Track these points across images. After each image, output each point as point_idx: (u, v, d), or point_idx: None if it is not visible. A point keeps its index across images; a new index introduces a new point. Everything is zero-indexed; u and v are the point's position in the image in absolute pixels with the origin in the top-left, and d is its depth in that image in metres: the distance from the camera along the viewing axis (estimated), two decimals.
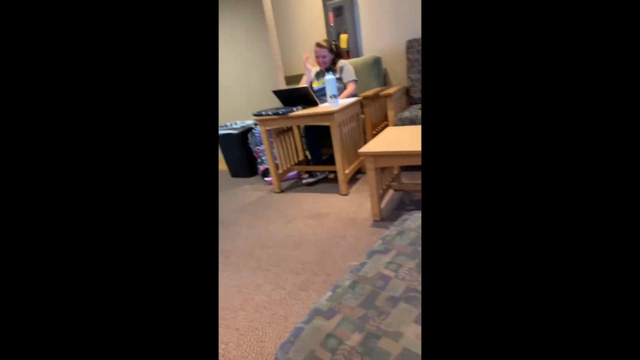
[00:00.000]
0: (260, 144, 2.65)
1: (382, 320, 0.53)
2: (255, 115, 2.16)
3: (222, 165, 3.08)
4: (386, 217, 1.73)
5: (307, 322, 0.57)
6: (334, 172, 2.41)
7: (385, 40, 2.67)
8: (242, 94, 2.83)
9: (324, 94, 2.20)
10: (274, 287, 1.32)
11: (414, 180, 2.17)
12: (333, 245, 1.56)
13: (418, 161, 1.50)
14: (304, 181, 2.40)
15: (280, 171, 2.35)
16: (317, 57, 2.33)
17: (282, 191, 2.35)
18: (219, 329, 1.15)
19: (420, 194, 1.97)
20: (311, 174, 2.41)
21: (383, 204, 1.86)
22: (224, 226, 1.95)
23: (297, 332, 0.55)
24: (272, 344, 1.05)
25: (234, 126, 2.71)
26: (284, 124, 2.13)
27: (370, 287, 0.62)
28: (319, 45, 2.32)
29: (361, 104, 2.33)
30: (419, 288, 0.59)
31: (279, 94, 2.17)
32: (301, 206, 2.06)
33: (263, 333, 1.10)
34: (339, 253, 1.49)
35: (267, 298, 1.27)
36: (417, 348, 0.47)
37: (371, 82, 2.61)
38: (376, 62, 2.60)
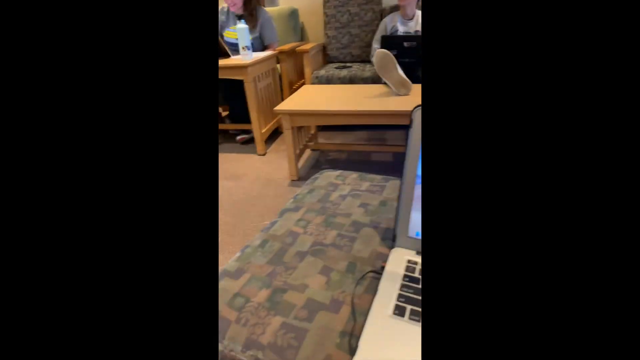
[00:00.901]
0: None
1: (289, 275, 0.54)
2: None
3: None
4: (303, 177, 1.77)
5: None
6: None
7: None
8: None
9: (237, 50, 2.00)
10: None
11: (330, 140, 2.23)
12: (250, 206, 1.54)
13: (335, 121, 1.53)
14: (237, 138, 2.24)
15: None
16: None
17: None
18: None
19: (336, 153, 2.04)
20: (245, 130, 2.26)
21: (300, 164, 1.88)
22: None
23: None
24: None
25: None
26: None
27: (279, 244, 0.63)
28: None
29: (277, 59, 2.22)
30: (325, 242, 0.62)
31: None
32: None
33: None
34: (256, 213, 1.48)
35: None
36: (320, 296, 0.50)
37: (287, 36, 2.49)
38: (293, 14, 2.48)
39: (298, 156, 1.73)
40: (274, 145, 2.19)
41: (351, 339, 0.43)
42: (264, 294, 0.51)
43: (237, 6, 2.11)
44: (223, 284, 0.55)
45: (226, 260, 1.20)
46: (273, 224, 0.71)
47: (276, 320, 0.47)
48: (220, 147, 2.24)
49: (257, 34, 2.21)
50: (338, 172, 0.92)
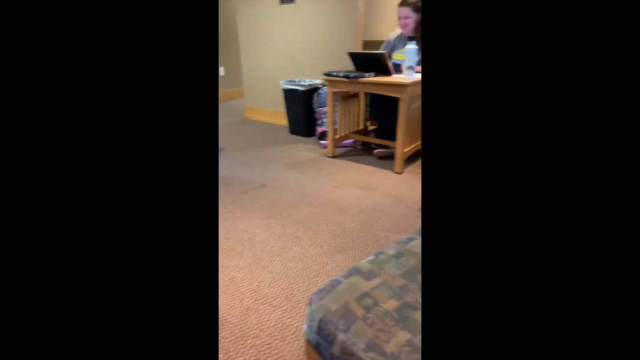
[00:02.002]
0: (324, 105, 2.63)
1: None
2: (325, 74, 2.13)
3: (283, 120, 3.14)
4: None
5: (345, 277, 0.58)
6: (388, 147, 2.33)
7: None
8: (315, 51, 2.79)
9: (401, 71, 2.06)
10: (311, 243, 1.37)
11: None
12: (376, 218, 1.55)
13: None
14: (375, 151, 2.34)
15: (337, 136, 2.34)
16: (398, 18, 2.13)
17: (334, 156, 2.35)
18: (255, 270, 1.23)
19: None
20: (383, 146, 2.33)
21: None
22: (273, 178, 2.02)
23: (335, 283, 0.56)
24: (301, 292, 1.11)
25: (302, 83, 2.71)
26: (352, 89, 2.08)
27: (415, 261, 0.61)
28: (401, 3, 2.06)
29: None
30: None
31: (354, 56, 2.10)
32: (351, 175, 2.05)
33: (294, 281, 1.16)
34: (380, 227, 1.48)
35: (303, 251, 1.32)
36: None
37: None
38: None
39: None
40: (412, 167, 2.15)
41: None
42: (393, 304, 0.50)
43: (410, 28, 2.17)
44: (353, 280, 0.57)
45: (344, 262, 1.25)
46: (410, 239, 0.69)
47: (403, 335, 0.45)
48: (358, 157, 2.35)
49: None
50: None
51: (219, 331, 0.96)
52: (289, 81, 2.80)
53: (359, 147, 2.56)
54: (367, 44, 2.87)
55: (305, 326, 0.54)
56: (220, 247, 1.35)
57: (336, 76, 2.07)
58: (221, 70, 4.44)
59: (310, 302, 0.55)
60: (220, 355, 0.88)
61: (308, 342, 0.53)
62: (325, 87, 2.64)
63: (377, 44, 2.81)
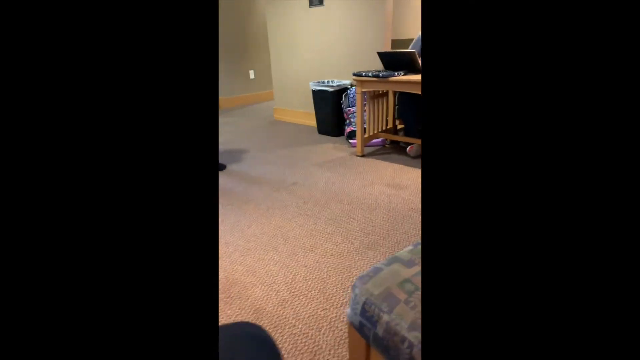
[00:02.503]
0: (353, 105, 2.65)
1: None
2: (354, 75, 2.15)
3: (312, 121, 3.20)
4: None
5: (386, 264, 0.60)
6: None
7: None
8: (344, 52, 2.81)
9: None
10: (343, 240, 1.39)
11: None
12: (406, 217, 1.55)
13: None
14: (407, 149, 2.33)
15: (366, 135, 2.35)
16: None
17: (363, 155, 2.36)
18: (290, 264, 1.27)
19: None
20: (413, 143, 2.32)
21: None
22: (304, 177, 2.06)
23: (376, 270, 0.59)
24: (334, 285, 1.13)
25: (331, 84, 2.75)
26: (381, 88, 2.09)
27: None
28: None
29: None
30: None
31: (383, 55, 2.11)
32: (381, 173, 2.05)
33: (327, 275, 1.19)
34: (411, 225, 1.47)
35: (335, 247, 1.34)
36: None
37: None
38: None
39: None
40: None
41: None
42: None
43: None
44: (394, 267, 0.59)
45: (376, 258, 1.26)
46: None
47: None
48: (389, 156, 2.35)
49: None
50: None
51: (258, 321, 1.01)
52: (318, 82, 2.85)
53: (387, 145, 2.56)
54: (396, 42, 2.86)
55: (348, 310, 0.56)
56: (256, 242, 1.41)
57: (365, 76, 2.09)
58: (251, 74, 4.58)
59: (353, 288, 0.57)
60: None
61: (351, 324, 0.56)
62: (354, 87, 2.66)
63: (406, 42, 2.80)
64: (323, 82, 2.85)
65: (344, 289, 1.12)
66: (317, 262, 1.26)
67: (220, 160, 2.28)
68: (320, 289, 1.13)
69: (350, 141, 2.60)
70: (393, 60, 2.10)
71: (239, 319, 1.02)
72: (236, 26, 4.25)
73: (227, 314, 1.04)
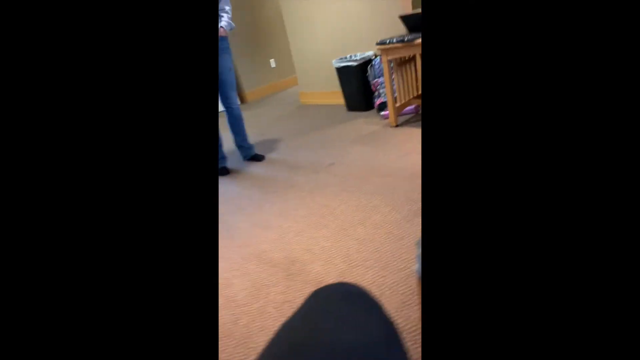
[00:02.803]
0: (379, 76, 2.60)
1: None
2: (378, 44, 2.10)
3: (339, 99, 3.18)
4: None
5: None
6: None
7: None
8: (364, 23, 2.73)
9: None
10: (390, 210, 1.41)
11: None
12: None
13: None
14: None
15: (398, 104, 2.30)
16: None
17: (397, 125, 2.32)
18: (342, 238, 1.32)
19: None
20: None
21: None
22: (340, 155, 2.09)
23: None
24: (388, 254, 1.17)
25: (354, 58, 2.70)
26: (408, 53, 2.03)
27: None
28: None
29: None
30: None
31: (406, 19, 2.03)
32: (417, 141, 2.02)
33: (380, 245, 1.23)
34: None
35: (383, 218, 1.37)
36: None
37: None
38: None
39: None
40: None
41: None
42: None
43: None
44: None
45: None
46: None
47: None
48: (419, 122, 2.29)
49: None
50: None
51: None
52: (341, 59, 2.81)
53: (421, 112, 2.49)
54: (417, 3, 2.72)
55: (416, 265, 0.60)
56: (306, 221, 1.47)
57: (390, 43, 2.03)
58: (272, 63, 4.60)
59: (417, 244, 0.60)
60: None
61: (420, 279, 0.59)
62: (378, 58, 2.60)
63: None
64: (346, 58, 2.80)
65: (399, 256, 1.15)
66: (368, 234, 1.30)
67: (257, 152, 2.36)
68: (375, 258, 1.17)
69: (382, 113, 2.57)
70: (417, 23, 2.01)
71: (305, 292, 1.09)
72: (250, 17, 4.26)
73: (292, 289, 1.12)
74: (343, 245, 1.28)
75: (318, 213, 1.52)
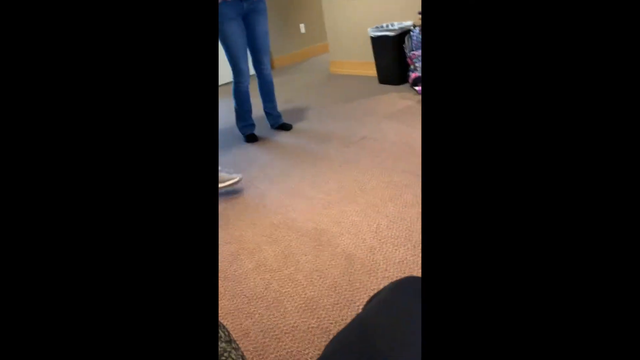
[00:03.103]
0: (417, 48, 2.46)
1: None
2: (420, 13, 1.97)
3: (372, 70, 3.06)
4: None
5: None
6: None
7: None
8: None
9: None
10: None
11: None
12: None
13: None
14: None
15: None
16: None
17: None
18: (372, 214, 1.32)
19: None
20: None
21: None
22: (372, 130, 2.04)
23: None
24: (419, 234, 1.16)
25: (391, 27, 2.56)
26: None
27: None
28: None
29: None
30: None
31: None
32: None
33: (411, 224, 1.22)
34: None
35: (415, 198, 1.35)
36: None
37: None
38: None
39: None
40: None
41: None
42: None
43: None
44: None
45: None
46: None
47: None
48: None
49: None
50: None
51: (351, 266, 1.09)
52: (377, 27, 2.67)
53: None
54: None
55: None
56: (336, 195, 1.47)
57: None
58: (301, 27, 4.44)
59: None
60: (355, 284, 1.01)
61: None
62: (417, 28, 2.45)
63: None
64: (382, 27, 2.66)
65: None
66: (399, 212, 1.29)
67: (284, 120, 2.34)
68: (405, 236, 1.16)
69: (416, 88, 2.46)
70: None
71: (333, 264, 1.11)
72: None
73: (321, 260, 1.14)
74: (373, 221, 1.27)
75: (348, 187, 1.51)
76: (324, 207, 1.41)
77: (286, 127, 2.30)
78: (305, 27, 4.47)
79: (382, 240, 1.17)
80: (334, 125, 2.21)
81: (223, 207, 1.56)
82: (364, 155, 1.75)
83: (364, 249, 1.15)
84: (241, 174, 1.63)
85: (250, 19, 1.91)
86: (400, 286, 0.38)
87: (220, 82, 3.86)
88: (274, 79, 2.22)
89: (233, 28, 1.85)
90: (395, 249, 1.12)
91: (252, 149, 2.13)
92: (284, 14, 4.22)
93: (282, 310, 0.99)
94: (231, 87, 2.08)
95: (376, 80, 2.93)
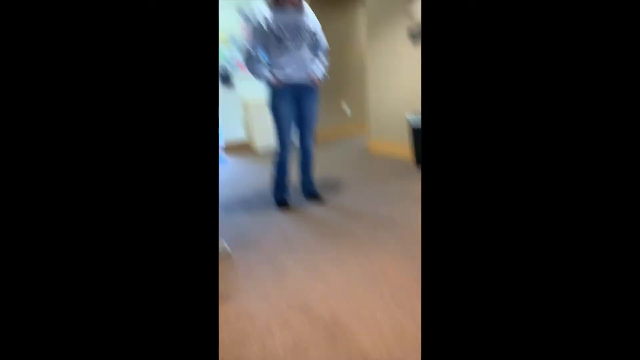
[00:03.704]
0: None
1: None
2: None
3: (409, 152, 3.10)
4: None
5: None
6: None
7: None
8: None
9: None
10: None
11: None
12: None
13: None
14: None
15: None
16: None
17: None
18: (396, 312, 1.20)
19: None
20: None
21: None
22: (404, 214, 1.97)
23: None
24: None
25: None
26: None
27: None
28: None
29: None
30: None
31: None
32: None
33: None
34: None
35: None
36: None
37: None
38: None
39: None
40: None
41: None
42: None
43: None
44: None
45: None
46: None
47: None
48: None
49: None
50: None
51: None
52: (416, 112, 2.78)
53: None
54: None
55: None
56: (358, 281, 1.37)
57: None
58: (344, 105, 4.74)
59: None
60: None
61: None
62: None
63: None
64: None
65: None
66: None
67: (319, 192, 2.35)
68: None
69: None
70: None
71: None
72: (334, 60, 4.51)
73: (333, 355, 1.01)
74: (397, 322, 1.14)
75: (372, 275, 1.41)
76: (344, 292, 1.31)
77: (319, 199, 2.30)
78: (348, 105, 4.78)
79: (407, 346, 1.03)
80: (365, 205, 2.18)
81: (239, 272, 1.51)
82: (392, 241, 1.67)
83: (385, 354, 1.01)
84: (234, 254, 1.60)
85: (302, 98, 2.07)
86: None
87: (261, 143, 4.09)
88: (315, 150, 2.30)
89: (286, 106, 2.01)
90: None
91: (279, 216, 2.13)
92: (330, 91, 4.58)
93: None
94: (272, 154, 2.17)
95: (412, 163, 2.95)
